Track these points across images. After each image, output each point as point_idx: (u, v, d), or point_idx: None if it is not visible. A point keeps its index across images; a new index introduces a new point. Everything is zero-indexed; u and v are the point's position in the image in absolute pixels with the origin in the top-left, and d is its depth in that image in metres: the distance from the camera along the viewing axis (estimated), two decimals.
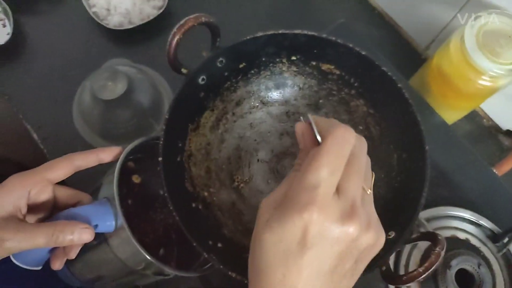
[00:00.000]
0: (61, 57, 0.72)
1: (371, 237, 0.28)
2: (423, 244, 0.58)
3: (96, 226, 0.38)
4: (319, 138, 0.29)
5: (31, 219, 0.38)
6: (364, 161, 0.30)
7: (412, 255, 0.57)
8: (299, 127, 0.32)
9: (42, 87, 0.70)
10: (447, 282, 0.53)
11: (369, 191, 0.31)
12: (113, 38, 0.74)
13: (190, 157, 0.50)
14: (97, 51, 0.73)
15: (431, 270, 0.38)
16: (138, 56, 0.72)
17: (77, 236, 0.35)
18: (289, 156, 0.55)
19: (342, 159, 0.27)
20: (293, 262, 0.26)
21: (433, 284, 0.55)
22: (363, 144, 0.32)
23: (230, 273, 0.41)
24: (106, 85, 0.60)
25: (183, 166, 0.49)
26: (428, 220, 0.59)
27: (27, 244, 0.34)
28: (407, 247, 0.58)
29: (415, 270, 0.38)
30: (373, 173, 0.33)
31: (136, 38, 0.74)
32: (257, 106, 0.55)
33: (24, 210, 0.36)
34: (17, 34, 0.72)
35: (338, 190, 0.27)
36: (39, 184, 0.38)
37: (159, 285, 0.57)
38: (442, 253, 0.38)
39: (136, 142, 0.45)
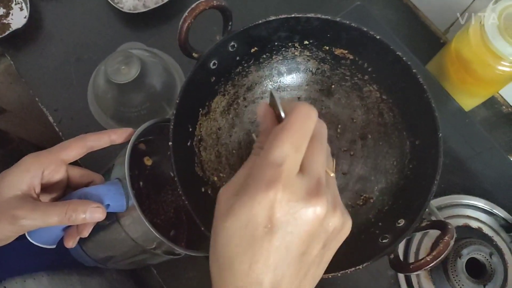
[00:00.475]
0: (77, 41, 0.73)
1: (338, 219, 0.27)
2: (434, 232, 0.57)
3: (107, 205, 0.39)
4: (283, 114, 0.28)
5: (45, 198, 0.40)
6: (325, 142, 0.29)
7: (423, 243, 0.57)
8: (261, 108, 0.30)
9: (58, 71, 0.71)
10: (457, 271, 0.53)
11: (332, 174, 0.30)
12: (128, 22, 0.74)
13: (200, 141, 0.50)
14: (111, 35, 0.73)
15: (439, 259, 0.38)
16: (152, 39, 0.72)
17: (90, 215, 0.36)
18: None
19: (306, 135, 0.26)
20: (260, 248, 0.24)
21: (443, 273, 0.54)
22: (324, 129, 0.30)
23: None
24: (120, 69, 0.61)
25: (193, 151, 0.49)
26: (441, 208, 0.59)
27: (41, 222, 0.35)
28: (418, 235, 0.57)
29: (423, 258, 0.38)
30: (334, 160, 0.33)
31: (150, 22, 0.74)
32: (269, 91, 0.55)
33: (38, 189, 0.37)
34: (34, 18, 0.73)
35: (302, 169, 0.26)
36: (53, 164, 0.38)
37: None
38: (451, 242, 0.38)
39: (147, 124, 0.45)
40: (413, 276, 0.55)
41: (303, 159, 0.26)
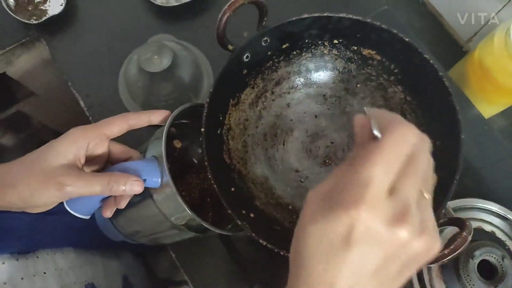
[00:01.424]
0: (110, 30, 0.76)
1: (422, 244, 0.26)
2: (449, 233, 0.59)
3: (144, 180, 0.41)
4: (377, 133, 0.27)
5: (87, 170, 0.42)
6: (424, 163, 0.28)
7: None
8: (358, 120, 0.30)
9: (91, 58, 0.74)
10: (469, 271, 0.54)
11: (428, 196, 0.28)
12: (160, 14, 0.77)
13: (229, 130, 0.53)
14: (143, 26, 0.76)
15: (456, 253, 0.39)
16: (182, 33, 0.75)
17: (129, 187, 0.39)
18: (322, 138, 0.57)
19: (399, 158, 0.26)
20: (334, 258, 0.25)
21: (454, 273, 0.56)
22: (426, 144, 0.29)
23: (261, 241, 0.44)
24: (152, 58, 0.63)
25: (222, 139, 0.52)
26: (455, 210, 0.60)
27: (85, 190, 0.37)
28: None
29: (440, 252, 0.40)
30: (436, 176, 0.31)
31: (181, 15, 0.76)
32: (296, 86, 0.57)
33: (83, 160, 0.40)
34: (70, 6, 0.76)
35: (391, 191, 0.26)
36: (98, 137, 0.41)
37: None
38: (469, 238, 0.40)
39: (182, 107, 0.47)
40: (425, 274, 0.57)
41: (395, 182, 0.26)
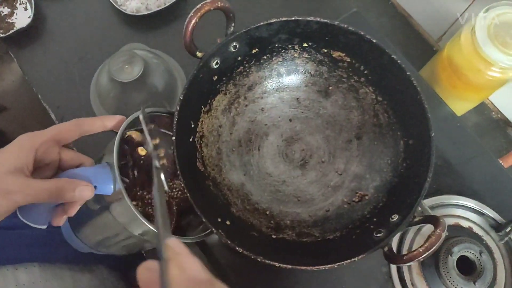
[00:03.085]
0: (80, 41, 0.74)
1: None
2: (427, 230, 0.59)
3: (95, 187, 0.40)
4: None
5: (36, 177, 0.40)
6: None
7: (416, 240, 0.59)
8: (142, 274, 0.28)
9: (61, 69, 0.73)
10: (448, 268, 0.54)
11: None
12: (130, 23, 0.76)
13: (202, 138, 0.52)
14: (114, 36, 0.75)
15: (431, 250, 0.39)
16: (154, 41, 0.74)
17: (78, 193, 0.37)
18: (298, 141, 0.57)
19: None
20: None
21: (434, 270, 0.56)
22: None
23: (237, 248, 0.43)
24: (123, 68, 0.62)
25: (195, 146, 0.51)
26: (432, 208, 0.60)
27: (32, 198, 0.36)
28: (411, 233, 0.59)
29: (415, 250, 0.40)
30: None
31: (152, 24, 0.76)
32: (269, 91, 0.57)
33: (30, 167, 0.38)
34: (38, 17, 0.75)
35: None
36: (47, 144, 0.39)
37: None
38: (443, 234, 0.40)
39: (138, 113, 0.46)
40: (406, 272, 0.57)
41: None
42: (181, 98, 0.47)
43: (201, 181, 0.50)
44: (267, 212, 0.52)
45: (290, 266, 0.42)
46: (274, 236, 0.49)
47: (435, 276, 0.56)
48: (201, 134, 0.52)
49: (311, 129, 0.57)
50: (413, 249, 0.57)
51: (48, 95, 0.71)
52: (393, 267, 0.57)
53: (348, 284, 0.56)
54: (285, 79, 0.57)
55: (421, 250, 0.39)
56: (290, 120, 0.57)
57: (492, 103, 0.76)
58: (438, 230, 0.40)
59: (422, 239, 0.59)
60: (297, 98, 0.57)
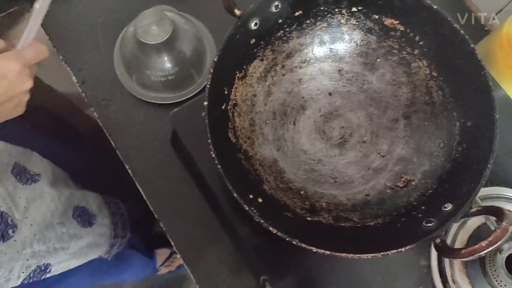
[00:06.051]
0: (106, 1, 0.70)
1: None
2: (472, 225, 0.54)
3: None
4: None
5: None
6: None
7: (459, 234, 0.53)
8: None
9: (85, 30, 0.68)
10: (496, 266, 0.49)
11: None
12: None
13: (235, 106, 0.47)
14: None
15: (495, 245, 0.34)
16: (184, 5, 0.69)
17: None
18: (337, 118, 0.51)
19: None
20: None
21: (479, 268, 0.51)
22: None
23: (270, 228, 0.39)
24: (150, 29, 0.58)
25: (227, 115, 0.46)
26: (481, 199, 0.55)
27: None
28: (454, 227, 0.54)
29: (476, 244, 0.35)
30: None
31: None
32: (309, 60, 0.52)
33: None
34: None
35: None
36: None
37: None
38: (510, 228, 0.35)
39: None
40: (447, 268, 0.52)
41: None
42: (216, 59, 0.42)
43: (232, 153, 0.45)
44: (301, 192, 0.47)
45: (328, 252, 0.38)
46: (309, 219, 0.45)
47: (480, 274, 0.51)
48: (234, 102, 0.47)
49: (352, 105, 0.52)
50: (455, 244, 0.52)
51: (70, 57, 0.67)
52: (434, 261, 0.52)
53: (384, 275, 0.52)
54: (328, 48, 0.51)
55: (483, 245, 0.34)
56: (330, 94, 0.52)
57: None
58: (504, 223, 0.35)
59: (466, 234, 0.54)
60: (339, 70, 0.52)
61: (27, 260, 0.53)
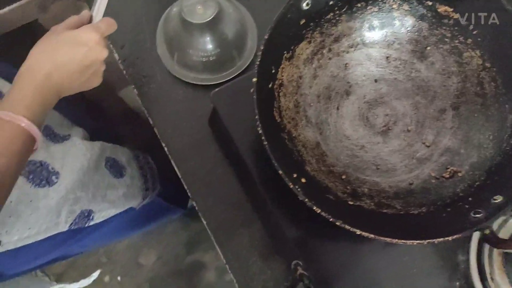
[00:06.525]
0: None
1: None
2: None
3: None
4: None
5: None
6: None
7: (500, 232, 0.52)
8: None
9: (129, 8, 0.69)
10: None
11: None
12: None
13: (281, 86, 0.47)
14: None
15: None
16: None
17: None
18: (382, 105, 0.51)
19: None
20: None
21: None
22: None
23: (315, 208, 0.38)
24: (196, 9, 0.58)
25: (273, 94, 0.46)
26: None
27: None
28: (498, 221, 0.52)
29: None
30: None
31: None
32: (356, 45, 0.51)
33: None
34: None
35: None
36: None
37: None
38: None
39: None
40: (486, 265, 0.51)
41: None
42: (267, 37, 0.42)
43: (276, 132, 0.45)
44: (343, 177, 0.47)
45: (372, 236, 0.37)
46: (351, 203, 0.44)
47: None
48: (280, 82, 0.47)
49: (398, 93, 0.51)
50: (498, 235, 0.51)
51: (113, 34, 0.68)
52: (473, 257, 0.51)
53: (420, 267, 0.51)
54: (377, 34, 0.51)
55: None
56: (376, 81, 0.51)
57: None
58: None
59: (507, 232, 0.52)
60: (387, 57, 0.51)
61: (71, 205, 0.57)
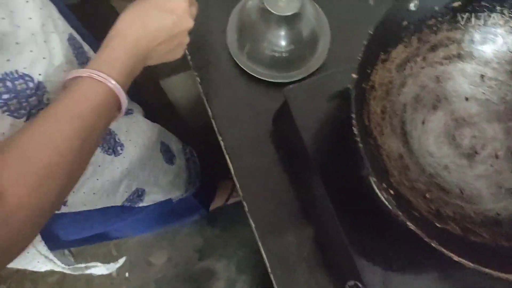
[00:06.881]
0: None
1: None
2: None
3: None
4: None
5: None
6: None
7: None
8: None
9: None
10: None
11: None
12: None
13: (372, 88, 0.44)
14: None
15: None
16: None
17: None
18: (470, 126, 0.47)
19: None
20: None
21: None
22: None
23: (407, 222, 0.34)
24: (278, 1, 0.55)
25: (364, 96, 0.43)
26: None
27: None
28: None
29: None
30: None
31: None
32: (452, 58, 0.48)
33: None
34: None
35: None
36: None
37: None
38: None
39: None
40: None
41: None
42: (372, 32, 0.39)
43: (365, 136, 0.41)
44: (426, 195, 0.43)
45: (472, 265, 0.33)
46: (437, 225, 0.40)
47: None
48: (372, 84, 0.44)
49: (489, 115, 0.47)
50: None
51: None
52: None
53: None
54: (476, 49, 0.47)
55: None
56: (466, 99, 0.48)
57: None
58: None
59: None
60: (482, 76, 0.48)
61: (130, 180, 0.57)
